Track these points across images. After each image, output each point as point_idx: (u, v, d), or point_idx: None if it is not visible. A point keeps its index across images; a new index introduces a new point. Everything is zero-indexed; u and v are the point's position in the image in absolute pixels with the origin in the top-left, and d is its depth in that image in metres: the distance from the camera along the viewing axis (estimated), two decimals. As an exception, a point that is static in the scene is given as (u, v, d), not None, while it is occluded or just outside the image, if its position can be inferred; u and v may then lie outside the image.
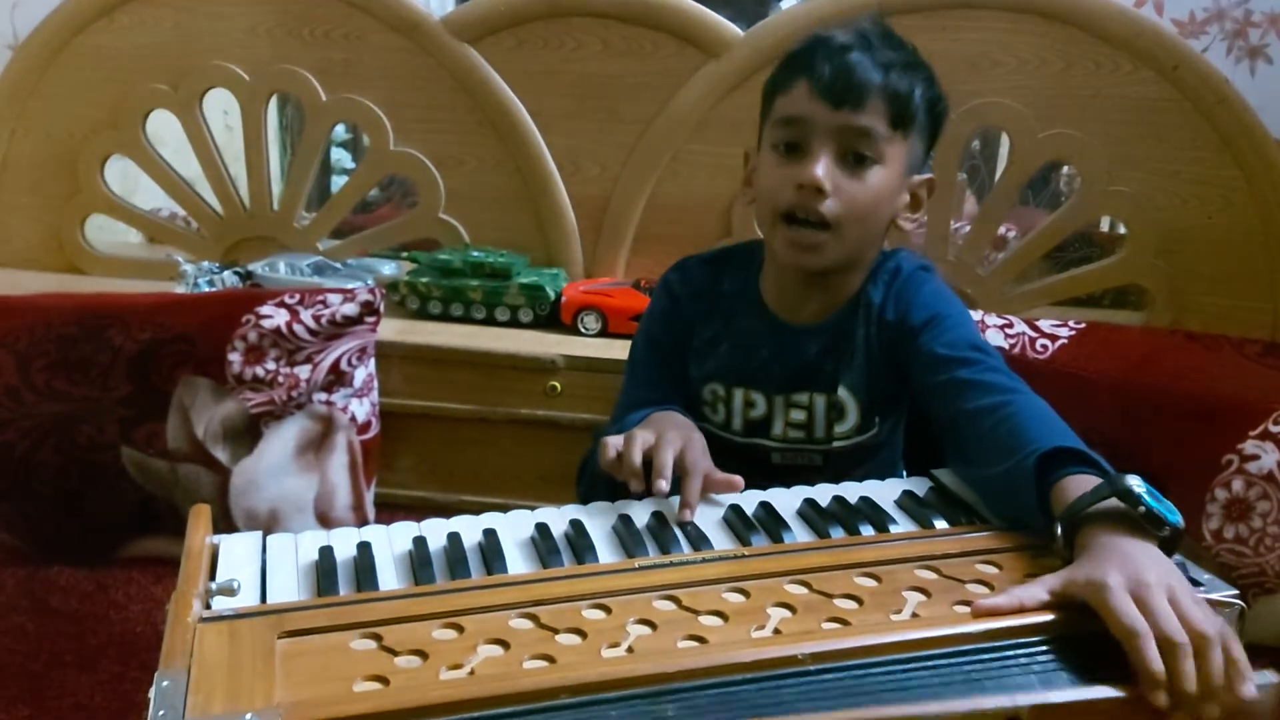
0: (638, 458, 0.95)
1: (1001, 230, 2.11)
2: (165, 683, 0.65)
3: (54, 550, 1.68)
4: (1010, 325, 1.70)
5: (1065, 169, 2.40)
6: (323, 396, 1.68)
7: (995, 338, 1.65)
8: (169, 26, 2.11)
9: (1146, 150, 1.88)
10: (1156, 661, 0.68)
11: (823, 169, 1.03)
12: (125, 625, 1.54)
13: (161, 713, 0.63)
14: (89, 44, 2.13)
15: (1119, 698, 0.70)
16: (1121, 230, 2.10)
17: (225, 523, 1.62)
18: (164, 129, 2.20)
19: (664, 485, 0.92)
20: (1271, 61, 2.10)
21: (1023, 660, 0.72)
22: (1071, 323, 1.72)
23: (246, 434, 1.65)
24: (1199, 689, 0.68)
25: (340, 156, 2.95)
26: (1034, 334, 1.68)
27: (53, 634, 1.51)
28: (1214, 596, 0.75)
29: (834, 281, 1.14)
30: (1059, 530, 0.80)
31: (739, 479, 0.96)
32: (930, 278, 1.15)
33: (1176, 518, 0.77)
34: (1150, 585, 0.71)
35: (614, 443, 0.98)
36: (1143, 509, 0.77)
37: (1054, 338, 1.68)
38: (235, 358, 1.63)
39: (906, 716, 0.67)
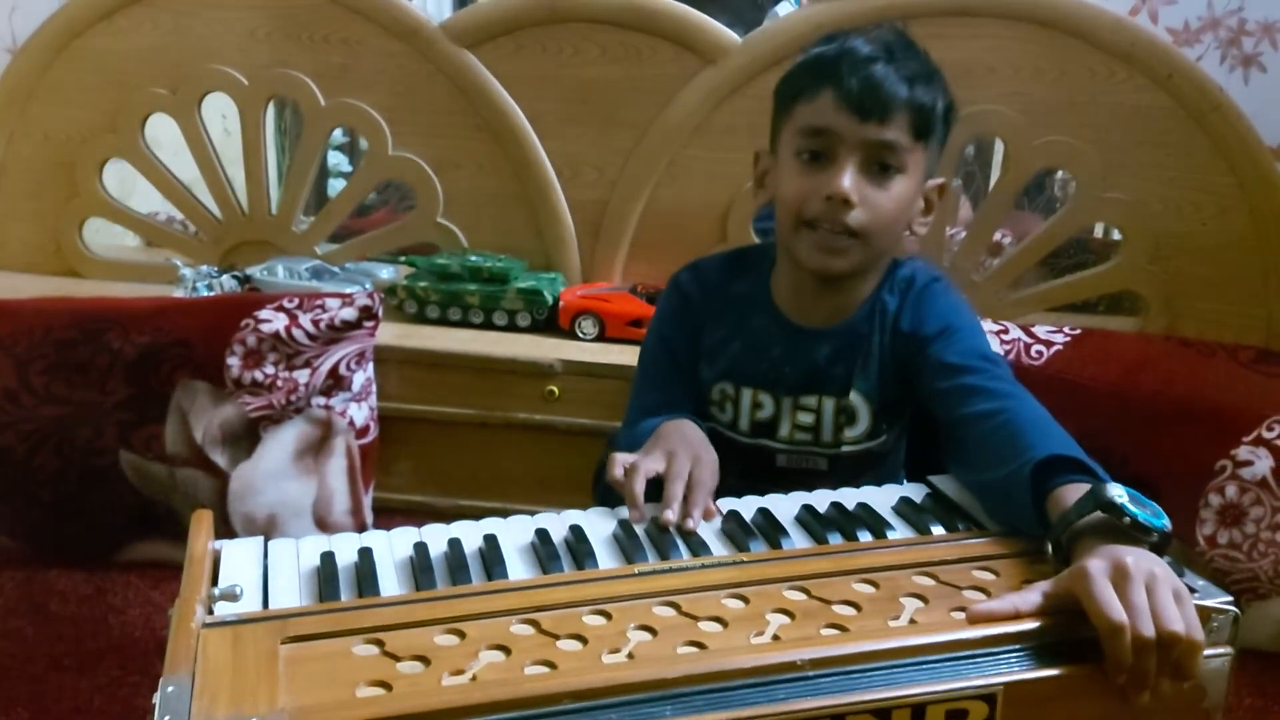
0: (640, 488, 0.94)
1: (997, 236, 2.12)
2: (170, 688, 0.66)
3: (52, 553, 1.68)
4: (1006, 331, 1.71)
5: (1059, 175, 2.41)
6: (321, 401, 1.68)
7: (990, 344, 1.66)
8: (168, 30, 2.11)
9: (1141, 157, 1.89)
10: (1127, 654, 0.71)
11: (849, 181, 1.04)
12: (124, 629, 1.54)
13: (166, 718, 0.63)
14: (88, 47, 2.13)
15: (1084, 673, 0.73)
16: (1116, 236, 2.11)
17: (223, 527, 1.63)
18: (162, 133, 2.20)
19: (671, 516, 0.92)
20: (1265, 70, 2.11)
21: (1011, 660, 0.73)
22: (1066, 329, 1.73)
23: (245, 438, 1.65)
24: (1153, 681, 0.71)
25: (337, 161, 2.95)
26: (1029, 340, 1.69)
27: (51, 637, 1.51)
28: (1209, 603, 0.76)
29: (847, 286, 1.15)
30: (1050, 548, 0.81)
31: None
32: (945, 289, 1.17)
33: (1162, 522, 0.78)
34: (1130, 572, 0.73)
35: (622, 460, 0.98)
36: (1127, 519, 0.78)
37: (1049, 344, 1.69)
38: (234, 362, 1.63)
39: (890, 699, 0.69)
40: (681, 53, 1.99)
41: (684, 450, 1.00)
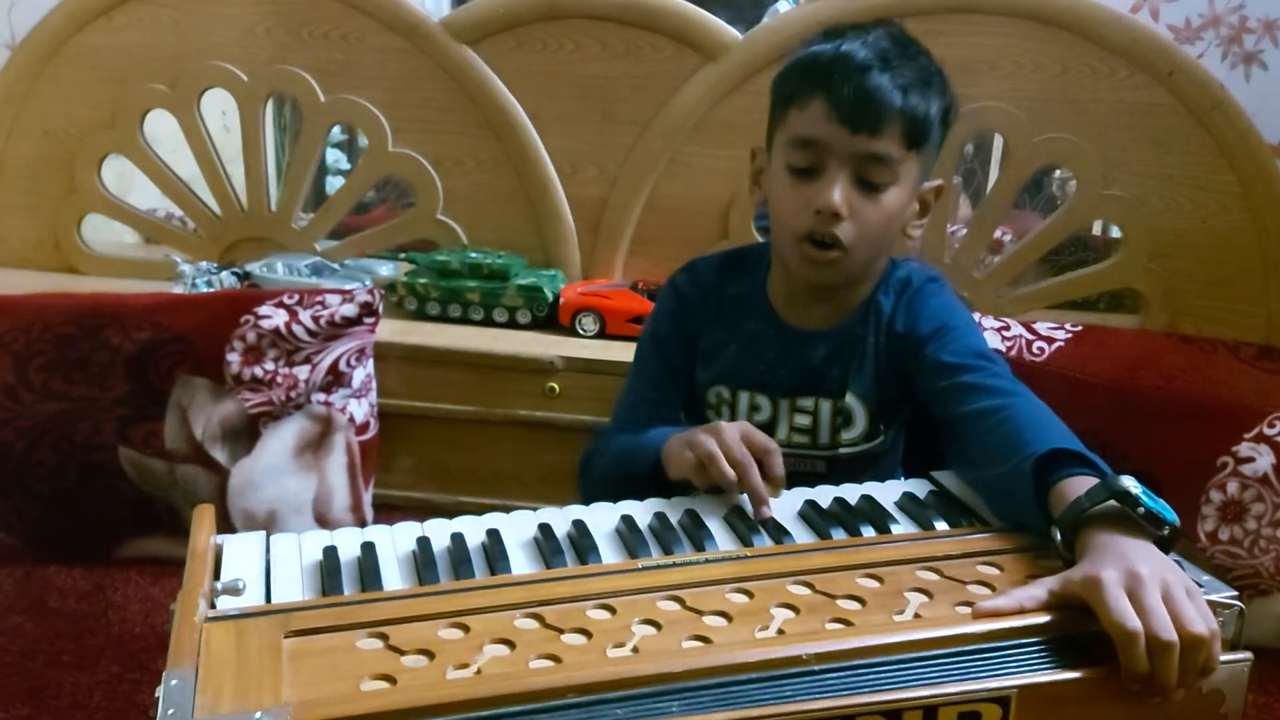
0: (759, 480, 0.93)
1: (997, 234, 2.12)
2: (174, 681, 0.65)
3: (51, 550, 1.67)
4: (1007, 328, 1.71)
5: (1059, 172, 2.41)
6: (321, 397, 1.68)
7: (992, 340, 1.66)
8: (167, 26, 2.11)
9: (1142, 155, 1.89)
10: (1142, 662, 0.70)
11: (839, 194, 1.03)
12: (123, 625, 1.53)
13: (170, 711, 0.63)
14: (87, 43, 2.13)
15: (1099, 676, 0.72)
16: (1116, 234, 2.11)
17: (223, 524, 1.61)
18: (161, 129, 2.20)
19: (768, 512, 0.92)
20: (1266, 67, 2.11)
21: (1020, 657, 0.73)
22: (1068, 325, 1.73)
23: (245, 434, 1.65)
24: (1176, 684, 0.71)
25: (336, 158, 2.95)
26: (1030, 336, 1.69)
27: (51, 634, 1.50)
28: (1213, 598, 0.76)
29: (842, 290, 1.15)
30: (1058, 535, 0.81)
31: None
32: (940, 290, 1.17)
33: (1173, 516, 0.78)
34: (1144, 580, 0.72)
35: (707, 450, 0.94)
36: (1141, 509, 0.78)
37: (1050, 340, 1.69)
38: (234, 358, 1.63)
39: (903, 701, 0.69)
40: (682, 49, 1.99)
41: (727, 426, 0.97)
